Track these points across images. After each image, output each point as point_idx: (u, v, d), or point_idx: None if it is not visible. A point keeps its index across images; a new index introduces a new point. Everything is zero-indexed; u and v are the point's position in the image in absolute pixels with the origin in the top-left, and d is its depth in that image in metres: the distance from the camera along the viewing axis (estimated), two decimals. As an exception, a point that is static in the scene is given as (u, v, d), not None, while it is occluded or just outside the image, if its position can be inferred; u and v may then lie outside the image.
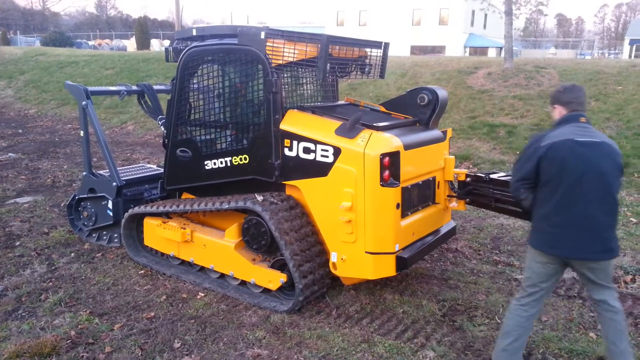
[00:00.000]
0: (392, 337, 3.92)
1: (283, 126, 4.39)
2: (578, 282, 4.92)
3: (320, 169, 4.22)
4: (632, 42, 47.28)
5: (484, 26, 44.17)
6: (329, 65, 4.51)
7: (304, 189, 4.39)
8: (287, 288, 4.44)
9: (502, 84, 12.87)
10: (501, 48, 31.39)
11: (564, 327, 4.09)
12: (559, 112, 3.30)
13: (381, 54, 5.11)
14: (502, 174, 4.66)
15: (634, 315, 4.29)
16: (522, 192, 3.24)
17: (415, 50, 38.53)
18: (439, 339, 3.89)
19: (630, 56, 44.35)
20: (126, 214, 5.41)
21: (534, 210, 3.22)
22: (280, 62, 4.37)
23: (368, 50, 5.04)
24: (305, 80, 5.24)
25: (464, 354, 3.71)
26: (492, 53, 39.10)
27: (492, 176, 4.55)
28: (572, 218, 3.04)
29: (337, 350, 3.74)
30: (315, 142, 4.22)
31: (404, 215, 4.27)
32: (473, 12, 40.84)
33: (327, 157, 4.17)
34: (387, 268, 4.14)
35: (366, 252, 4.09)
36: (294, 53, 4.37)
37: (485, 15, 42.49)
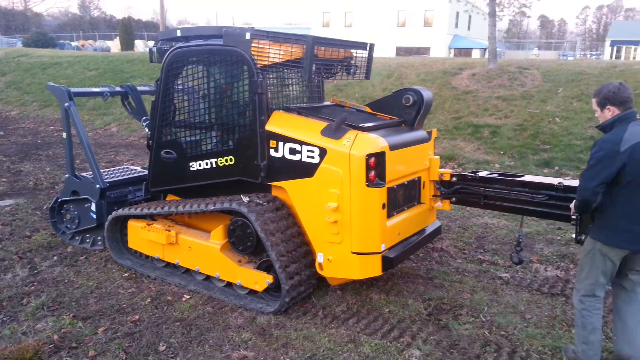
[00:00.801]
0: (378, 337, 3.93)
1: (269, 127, 4.38)
2: (561, 280, 4.99)
3: (306, 170, 4.22)
4: (613, 44, 48.11)
5: (468, 27, 44.58)
6: (314, 66, 4.51)
7: (290, 190, 4.38)
8: (273, 289, 4.43)
9: (486, 85, 12.99)
10: (485, 49, 31.72)
11: (548, 324, 4.13)
12: (612, 112, 3.30)
13: (366, 55, 5.12)
14: (486, 172, 4.72)
15: (614, 312, 4.33)
16: (598, 196, 3.26)
17: (401, 51, 38.74)
18: (424, 337, 3.91)
19: (611, 57, 45.10)
20: (110, 216, 5.36)
21: (608, 211, 3.27)
22: (266, 63, 4.37)
23: (353, 51, 5.05)
24: (290, 81, 5.24)
25: (450, 352, 3.73)
26: (476, 54, 39.47)
27: (480, 174, 4.61)
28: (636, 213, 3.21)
29: (323, 351, 3.74)
30: (301, 143, 4.22)
31: (389, 215, 4.29)
32: (457, 13, 41.19)
33: (313, 157, 4.18)
34: (373, 268, 4.15)
35: (352, 253, 4.10)
36: (279, 54, 4.36)
37: (470, 16, 42.86)
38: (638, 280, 3.40)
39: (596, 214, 3.34)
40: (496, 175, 4.65)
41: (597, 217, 3.35)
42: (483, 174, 4.66)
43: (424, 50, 38.73)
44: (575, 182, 4.13)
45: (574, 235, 3.77)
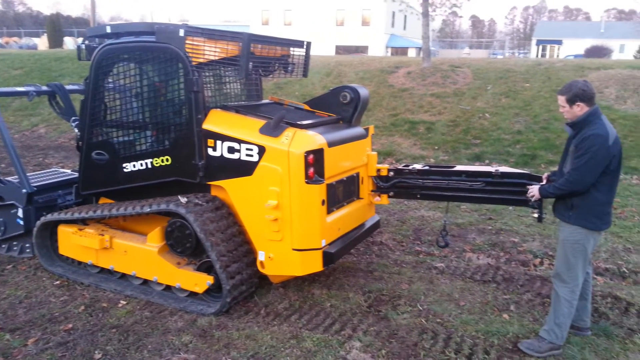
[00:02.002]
0: (320, 331, 3.98)
1: (206, 126, 4.32)
2: (492, 268, 5.26)
3: (245, 169, 4.20)
4: (538, 43, 51.03)
5: (404, 27, 45.79)
6: (251, 64, 4.50)
7: (230, 189, 4.35)
8: (215, 290, 4.38)
9: (421, 83, 13.41)
10: (420, 48, 32.68)
11: (480, 310, 4.35)
12: (581, 108, 3.50)
13: (304, 53, 5.16)
14: (420, 165, 4.91)
15: (542, 295, 4.63)
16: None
17: (340, 50, 39.18)
18: (365, 329, 4.01)
19: (537, 55, 47.80)
20: (38, 222, 5.10)
21: (593, 199, 3.49)
22: (201, 60, 4.30)
23: (291, 49, 5.07)
24: (228, 80, 5.19)
25: (389, 342, 3.85)
26: (412, 53, 40.59)
27: (417, 167, 4.78)
28: (613, 197, 3.64)
29: (265, 349, 3.75)
30: (240, 142, 4.19)
31: (329, 211, 4.35)
32: (393, 13, 42.22)
33: (251, 156, 4.16)
34: (314, 264, 4.20)
35: (293, 250, 4.13)
36: (215, 51, 4.31)
37: (405, 16, 44.06)
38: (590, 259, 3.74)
39: (575, 201, 3.54)
40: (427, 167, 4.86)
41: (579, 206, 3.53)
42: (418, 166, 4.84)
43: (363, 49, 39.39)
44: (508, 169, 4.52)
45: (535, 215, 4.14)
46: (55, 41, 28.78)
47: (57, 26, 29.77)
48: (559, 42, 49.47)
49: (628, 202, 7.56)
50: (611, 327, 4.00)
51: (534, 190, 3.80)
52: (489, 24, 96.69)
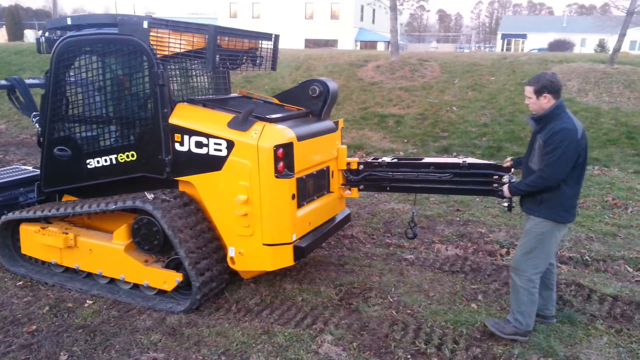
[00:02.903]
0: (291, 326, 3.97)
1: (172, 120, 4.23)
2: (460, 259, 5.34)
3: (213, 163, 4.14)
4: (504, 37, 52.03)
5: (373, 21, 45.96)
6: (218, 57, 4.42)
7: (198, 185, 4.28)
8: (184, 287, 4.32)
9: (390, 77, 13.50)
10: (389, 42, 32.88)
11: (449, 300, 4.42)
12: (547, 100, 3.52)
13: (272, 46, 5.11)
14: (389, 158, 4.95)
15: (509, 284, 4.72)
16: None
17: (310, 43, 39.07)
18: (336, 322, 4.02)
19: (502, 49, 48.74)
20: (-2, 221, 4.92)
21: (560, 192, 3.54)
22: (166, 53, 4.20)
23: (258, 42, 5.01)
24: (194, 73, 5.09)
25: (360, 334, 3.87)
26: (380, 47, 40.81)
27: (386, 160, 4.81)
28: (580, 190, 3.71)
29: (236, 345, 3.71)
30: (208, 136, 4.13)
31: (299, 205, 4.33)
32: (362, 7, 42.29)
33: (220, 150, 4.10)
34: (285, 258, 4.18)
35: (264, 245, 4.10)
36: (180, 44, 4.22)
37: (374, 10, 44.21)
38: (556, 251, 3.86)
39: (545, 196, 3.59)
40: (397, 160, 4.90)
41: (548, 200, 3.58)
42: (388, 159, 4.87)
43: (332, 43, 39.38)
44: (475, 160, 4.63)
45: (505, 204, 4.22)
46: (15, 34, 27.79)
47: (16, 18, 28.73)
48: (524, 37, 50.57)
49: (590, 192, 7.80)
50: (575, 314, 4.12)
51: (504, 190, 3.89)
52: (455, 18, 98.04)
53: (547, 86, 3.50)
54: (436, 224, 6.50)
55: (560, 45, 35.99)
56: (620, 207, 7.08)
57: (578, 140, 3.45)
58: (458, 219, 6.69)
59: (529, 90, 3.60)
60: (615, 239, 5.95)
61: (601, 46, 35.14)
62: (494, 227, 6.33)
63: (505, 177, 4.27)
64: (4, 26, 30.82)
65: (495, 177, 4.45)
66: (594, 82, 12.22)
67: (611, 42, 14.16)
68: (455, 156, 9.77)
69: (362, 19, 43.42)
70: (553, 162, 3.44)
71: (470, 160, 4.62)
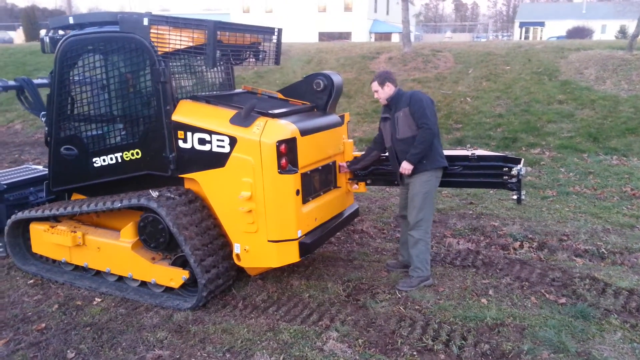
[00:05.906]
0: (297, 323, 3.94)
1: (175, 117, 4.21)
2: (472, 253, 5.24)
3: (217, 160, 4.11)
4: (521, 25, 51.05)
5: (387, 12, 45.47)
6: (219, 52, 4.38)
7: (202, 182, 4.26)
8: (191, 285, 4.32)
9: (402, 68, 13.33)
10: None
11: (459, 295, 4.33)
12: (390, 88, 4.38)
13: (275, 40, 5.05)
14: None
15: (521, 278, 4.63)
16: None
17: (323, 36, 38.86)
18: (342, 319, 3.97)
19: (520, 38, 47.85)
20: (9, 221, 4.98)
21: (433, 145, 4.30)
22: (167, 49, 4.18)
23: (261, 36, 4.95)
24: (197, 69, 5.07)
25: (367, 330, 3.81)
26: (395, 38, 40.37)
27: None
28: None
29: (241, 342, 3.69)
30: (210, 133, 4.10)
31: (304, 201, 4.28)
32: (376, -2, 41.87)
33: (223, 147, 4.07)
34: (290, 255, 4.14)
35: (269, 241, 4.07)
36: (180, 40, 4.19)
37: (388, 1, 43.76)
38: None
39: (425, 155, 4.26)
40: None
41: (426, 156, 4.26)
42: None
43: (346, 35, 39.11)
44: (484, 152, 4.69)
45: (514, 197, 4.37)
46: (31, 34, 28.19)
47: (32, 19, 29.12)
48: (542, 24, 49.52)
49: (608, 182, 7.60)
50: (588, 309, 4.01)
51: (403, 166, 4.31)
52: (472, 7, 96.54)
53: (388, 77, 4.38)
54: (448, 217, 6.39)
55: (579, 33, 35.23)
56: (639, 198, 6.88)
57: (427, 97, 4.32)
58: (471, 212, 6.57)
59: (374, 85, 4.42)
60: (633, 230, 5.78)
61: (622, 32, 34.23)
62: (507, 220, 6.20)
63: (514, 168, 4.17)
64: (21, 27, 31.32)
65: (505, 169, 4.35)
66: (612, 70, 11.90)
67: (632, 27, 13.75)
68: (469, 148, 9.61)
69: (375, 10, 42.99)
70: (425, 114, 4.18)
71: (480, 152, 4.53)
